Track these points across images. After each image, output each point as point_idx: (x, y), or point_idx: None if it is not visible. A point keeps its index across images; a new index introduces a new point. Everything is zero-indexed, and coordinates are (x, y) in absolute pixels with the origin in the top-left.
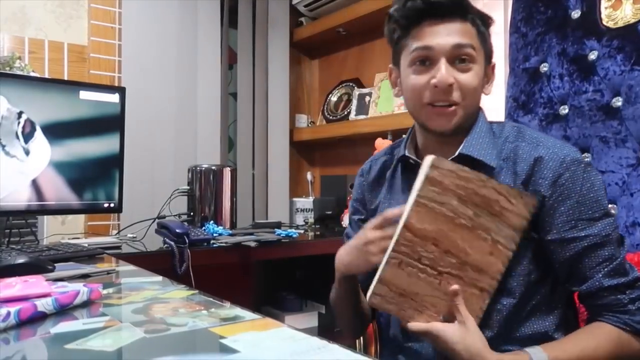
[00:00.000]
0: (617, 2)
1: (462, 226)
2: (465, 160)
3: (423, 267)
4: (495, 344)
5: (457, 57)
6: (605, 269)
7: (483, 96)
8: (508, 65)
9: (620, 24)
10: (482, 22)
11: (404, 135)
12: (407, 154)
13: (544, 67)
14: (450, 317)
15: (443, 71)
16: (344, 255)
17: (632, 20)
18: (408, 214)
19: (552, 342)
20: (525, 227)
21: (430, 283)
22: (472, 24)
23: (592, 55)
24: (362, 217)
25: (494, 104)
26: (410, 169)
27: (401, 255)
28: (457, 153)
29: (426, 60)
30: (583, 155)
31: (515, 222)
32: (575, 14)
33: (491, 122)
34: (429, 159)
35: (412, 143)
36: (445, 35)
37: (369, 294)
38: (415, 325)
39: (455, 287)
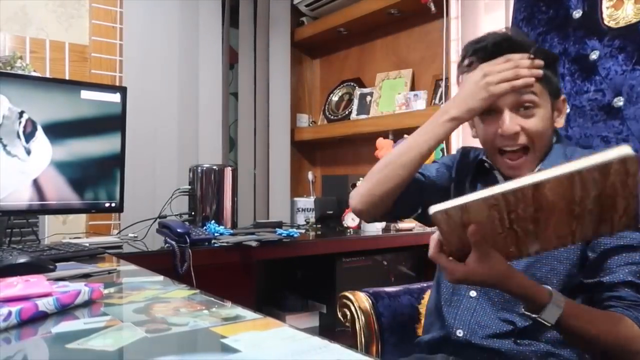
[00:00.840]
0: (619, 2)
1: (571, 212)
2: None
3: (504, 219)
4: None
5: (520, 106)
6: (633, 269)
7: None
8: None
9: (622, 23)
10: (545, 61)
11: None
12: (484, 157)
13: None
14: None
15: (507, 122)
16: (457, 97)
17: (634, 20)
18: (549, 177)
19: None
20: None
21: (495, 231)
22: None
23: (594, 55)
24: (447, 173)
25: None
26: (483, 172)
27: (502, 202)
28: (537, 169)
29: (492, 111)
30: None
31: (604, 232)
32: (577, 13)
33: (565, 143)
34: (626, 151)
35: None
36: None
37: (438, 207)
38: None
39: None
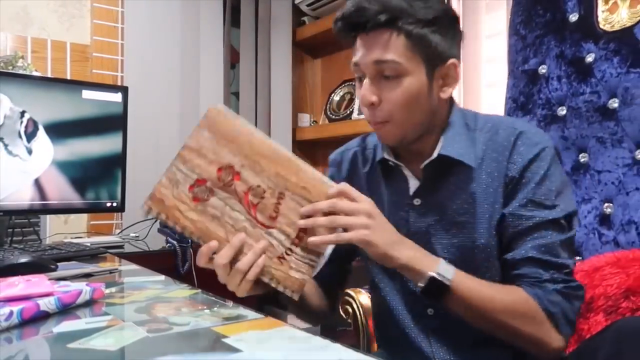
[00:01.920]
0: (614, 6)
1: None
2: (444, 161)
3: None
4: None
5: (381, 74)
6: (536, 243)
7: (486, 95)
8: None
9: (617, 27)
10: (425, 23)
11: None
12: (385, 156)
13: (543, 69)
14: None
15: (365, 89)
16: None
17: (628, 24)
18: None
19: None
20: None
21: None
22: (401, 31)
23: (590, 58)
24: None
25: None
26: (390, 170)
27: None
28: (436, 154)
29: (361, 77)
30: (581, 155)
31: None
32: (573, 17)
33: (463, 112)
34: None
35: (389, 147)
36: (367, 50)
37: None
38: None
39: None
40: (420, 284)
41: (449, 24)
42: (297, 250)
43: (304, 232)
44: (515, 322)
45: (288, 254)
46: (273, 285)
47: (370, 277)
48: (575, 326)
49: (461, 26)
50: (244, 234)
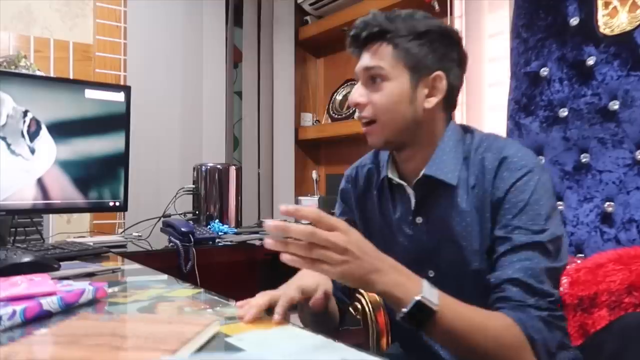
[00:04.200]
0: (614, 10)
1: None
2: (432, 180)
3: None
4: None
5: (369, 78)
6: (522, 265)
7: (488, 94)
8: (511, 66)
9: (617, 31)
10: (413, 36)
11: None
12: (389, 175)
13: (545, 72)
14: None
15: (352, 92)
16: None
17: (628, 28)
18: None
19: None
20: None
21: None
22: (389, 42)
23: (590, 61)
24: (353, 219)
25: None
26: (395, 189)
27: None
28: (421, 174)
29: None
30: (582, 155)
31: None
32: (574, 21)
33: (465, 129)
34: None
35: (393, 161)
36: (362, 59)
37: None
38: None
39: None
40: (404, 309)
41: (440, 40)
42: None
43: None
44: (499, 352)
45: None
46: None
47: None
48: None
49: (464, 25)
50: None
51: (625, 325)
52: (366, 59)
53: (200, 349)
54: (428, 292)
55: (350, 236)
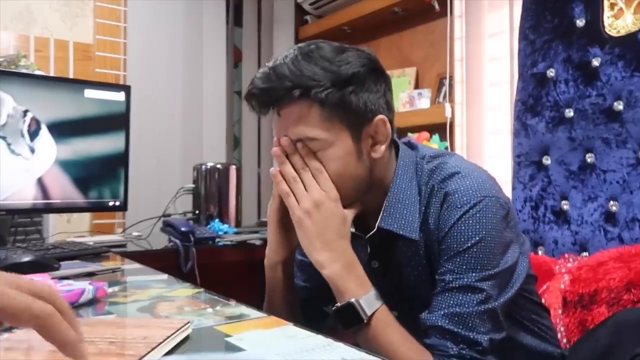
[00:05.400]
0: (619, 12)
1: None
2: (386, 232)
3: None
4: None
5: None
6: (449, 311)
7: (488, 94)
8: (512, 66)
9: (622, 32)
10: (341, 85)
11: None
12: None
13: (551, 73)
14: None
15: (275, 169)
16: None
17: (633, 29)
18: None
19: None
20: None
21: None
22: (314, 101)
23: (596, 62)
24: None
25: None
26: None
27: None
28: (376, 228)
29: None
30: (587, 155)
31: None
32: (580, 22)
33: (411, 162)
34: None
35: None
36: (282, 130)
37: None
38: None
39: None
40: (337, 304)
41: (370, 77)
42: None
43: None
44: None
45: None
46: None
47: None
48: None
49: (464, 25)
50: None
51: (620, 321)
52: (291, 129)
53: (171, 352)
54: (367, 301)
55: (337, 206)
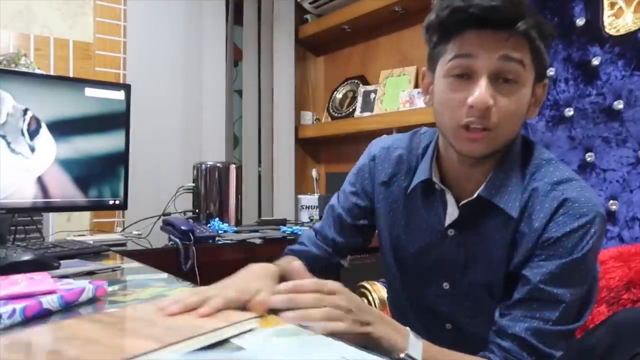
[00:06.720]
0: (619, 11)
1: None
2: (484, 201)
3: None
4: None
5: (501, 76)
6: (533, 325)
7: None
8: None
9: (622, 31)
10: (540, 33)
11: (423, 129)
12: (433, 178)
13: (551, 72)
14: None
15: (483, 90)
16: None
17: (633, 28)
18: None
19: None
20: None
21: None
22: (524, 35)
23: (596, 61)
24: (363, 204)
25: None
26: (431, 193)
27: None
28: (476, 195)
29: (465, 74)
30: (587, 154)
31: None
32: (580, 21)
33: (523, 145)
34: None
35: (437, 162)
36: (491, 44)
37: None
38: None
39: None
40: None
41: (550, 42)
42: None
43: None
44: None
45: None
46: None
47: (387, 287)
48: None
49: None
50: None
51: (619, 321)
52: (503, 48)
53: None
54: (412, 347)
55: (350, 296)
